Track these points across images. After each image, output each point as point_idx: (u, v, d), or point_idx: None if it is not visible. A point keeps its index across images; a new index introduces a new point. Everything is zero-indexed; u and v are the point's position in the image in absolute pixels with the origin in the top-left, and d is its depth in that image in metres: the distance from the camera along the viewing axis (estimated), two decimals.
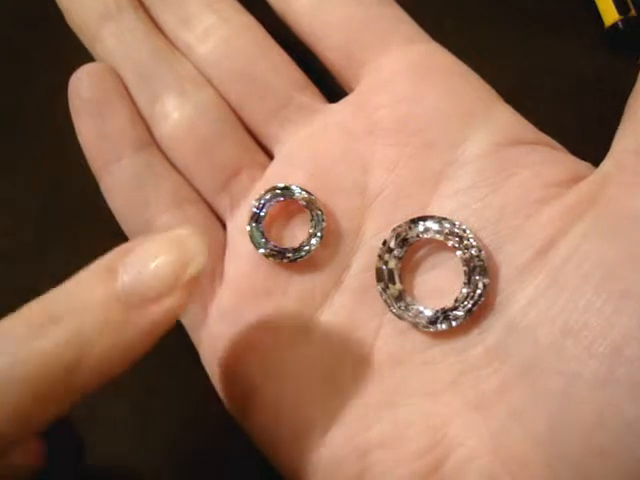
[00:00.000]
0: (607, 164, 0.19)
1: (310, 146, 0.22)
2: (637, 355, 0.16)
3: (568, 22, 0.26)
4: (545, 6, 0.26)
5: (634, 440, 0.16)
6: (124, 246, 0.16)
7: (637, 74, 0.21)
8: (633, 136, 0.19)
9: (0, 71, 0.27)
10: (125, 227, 0.23)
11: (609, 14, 0.25)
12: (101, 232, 0.24)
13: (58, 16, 0.24)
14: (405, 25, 0.22)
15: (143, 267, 0.16)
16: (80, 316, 0.15)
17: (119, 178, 0.22)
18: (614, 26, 0.25)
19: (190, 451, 0.23)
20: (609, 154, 0.19)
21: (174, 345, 0.22)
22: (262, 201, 0.21)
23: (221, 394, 0.21)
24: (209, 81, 0.23)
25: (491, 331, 0.19)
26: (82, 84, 0.23)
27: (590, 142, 0.21)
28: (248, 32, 0.23)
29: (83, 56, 0.24)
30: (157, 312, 0.16)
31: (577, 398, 0.17)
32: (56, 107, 0.24)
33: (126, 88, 0.23)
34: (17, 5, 0.28)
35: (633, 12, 0.24)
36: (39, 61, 0.27)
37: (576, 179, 0.19)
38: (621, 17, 0.24)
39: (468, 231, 0.19)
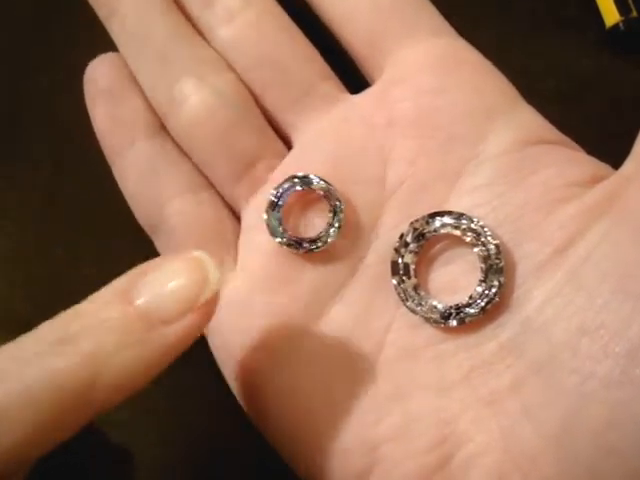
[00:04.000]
0: (628, 165, 0.19)
1: (330, 136, 0.22)
2: None
3: (569, 23, 0.26)
4: (546, 7, 0.26)
5: None
6: (141, 267, 0.17)
7: (638, 76, 0.21)
8: None
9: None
10: (137, 211, 0.23)
11: (610, 15, 0.25)
12: (101, 232, 0.24)
13: (57, 15, 0.24)
14: (432, 17, 0.22)
15: (161, 288, 0.16)
16: (96, 335, 0.15)
17: (132, 162, 0.22)
18: (615, 27, 0.25)
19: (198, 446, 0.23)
20: (630, 156, 0.19)
21: None
22: (280, 190, 0.21)
23: (230, 383, 0.21)
24: (230, 65, 0.23)
25: (506, 327, 0.19)
26: (98, 73, 0.23)
27: (591, 143, 0.21)
28: (272, 17, 0.23)
29: (83, 56, 0.24)
30: (175, 332, 0.16)
31: (591, 397, 0.17)
32: (56, 108, 0.24)
33: (138, 73, 0.23)
34: (16, 5, 0.27)
35: (634, 13, 0.24)
36: (39, 61, 0.27)
37: (597, 180, 0.19)
38: (622, 18, 0.24)
39: (486, 228, 0.19)
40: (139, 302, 0.16)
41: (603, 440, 0.16)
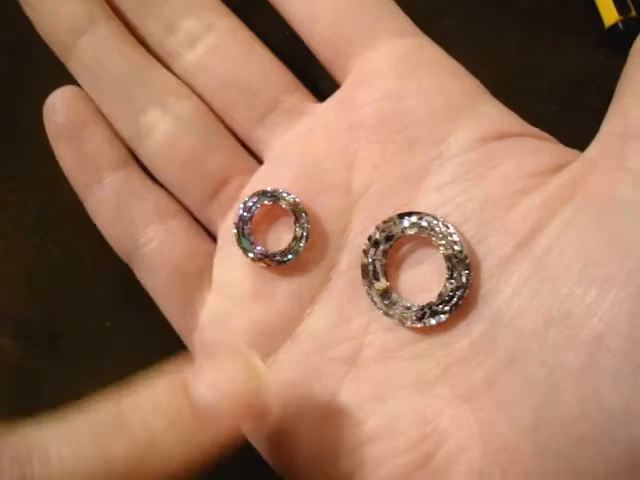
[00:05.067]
0: (592, 149, 0.19)
1: (297, 148, 0.22)
2: (618, 343, 0.16)
3: (568, 22, 0.26)
4: (545, 6, 0.26)
5: (616, 429, 0.16)
6: (198, 364, 0.17)
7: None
8: (619, 119, 0.19)
9: None
10: (113, 244, 0.23)
11: (609, 14, 0.25)
12: (101, 232, 0.24)
13: None
14: (393, 17, 0.22)
15: (218, 386, 0.17)
16: (150, 423, 0.16)
17: (101, 198, 0.23)
18: (614, 27, 0.24)
19: None
20: (595, 139, 0.19)
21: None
22: (248, 204, 0.21)
23: None
24: (193, 88, 0.23)
25: (477, 323, 0.19)
26: (56, 109, 0.23)
27: (590, 142, 0.21)
28: (235, 38, 0.23)
29: None
30: (225, 432, 0.17)
31: (560, 388, 0.17)
32: None
33: (102, 106, 0.23)
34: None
35: (633, 13, 0.24)
36: (37, 62, 0.26)
37: (561, 167, 0.19)
38: (621, 18, 0.24)
39: (450, 227, 0.19)
40: (195, 397, 0.16)
41: (576, 430, 0.16)
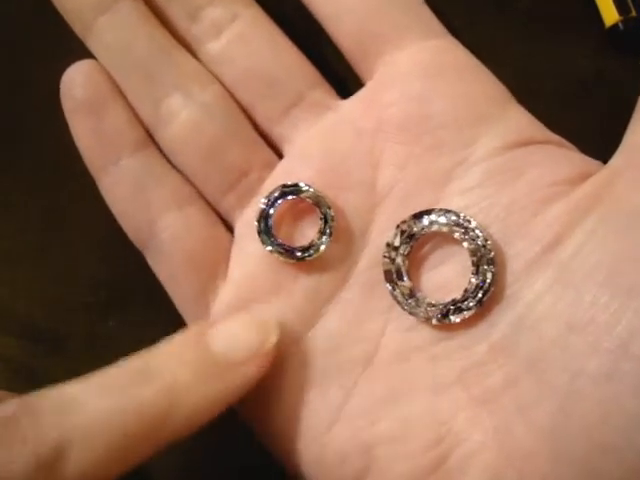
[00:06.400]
0: (616, 160, 0.19)
1: (320, 144, 0.22)
2: None
3: (568, 23, 0.26)
4: (545, 6, 0.26)
5: (637, 436, 0.16)
6: (215, 321, 0.20)
7: (638, 74, 0.21)
8: None
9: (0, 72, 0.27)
10: (126, 228, 0.22)
11: (609, 15, 0.25)
12: (102, 231, 0.24)
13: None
14: (423, 17, 0.22)
15: (233, 338, 0.19)
16: (175, 371, 0.18)
17: (118, 180, 0.22)
18: (614, 27, 0.25)
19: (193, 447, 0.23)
20: (619, 150, 0.19)
21: None
22: (271, 199, 0.21)
23: None
24: (218, 78, 0.23)
25: (497, 326, 0.19)
26: (75, 84, 0.22)
27: (590, 142, 0.21)
28: (259, 28, 0.23)
29: (83, 54, 0.23)
30: (241, 375, 0.18)
31: (581, 393, 0.17)
32: (57, 107, 0.24)
33: (122, 87, 0.22)
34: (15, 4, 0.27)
35: (633, 13, 0.24)
36: (39, 61, 0.26)
37: (585, 176, 0.19)
38: (621, 18, 0.24)
39: (473, 222, 0.19)
40: (213, 347, 0.18)
41: (596, 436, 0.16)
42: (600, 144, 0.22)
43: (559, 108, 0.25)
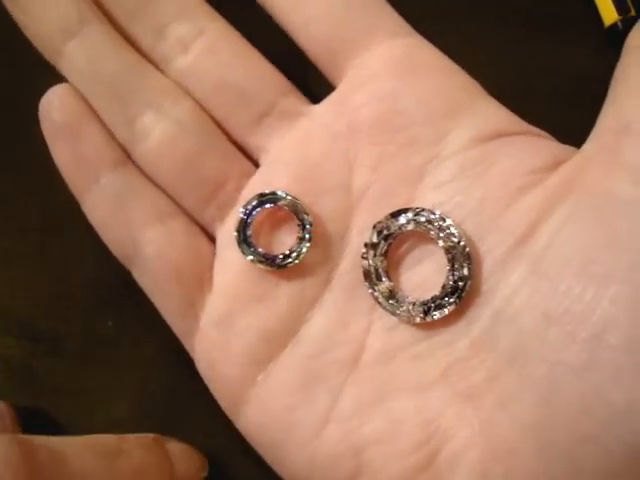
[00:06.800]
0: (588, 145, 0.19)
1: (294, 151, 0.22)
2: (619, 340, 0.16)
3: (567, 22, 0.26)
4: (544, 6, 0.26)
5: (620, 425, 0.16)
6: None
7: None
8: (614, 114, 0.19)
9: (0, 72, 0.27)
10: (110, 244, 0.23)
11: (608, 14, 0.25)
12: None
13: None
14: (388, 17, 0.22)
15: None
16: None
17: (99, 198, 0.22)
18: (614, 26, 0.25)
19: None
20: (590, 135, 0.19)
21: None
22: (249, 208, 0.21)
23: (214, 394, 0.22)
24: (188, 93, 0.23)
25: (477, 322, 0.19)
26: (53, 107, 0.22)
27: None
28: (226, 41, 0.23)
29: None
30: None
31: (562, 385, 0.17)
32: None
33: (96, 108, 0.23)
34: None
35: (633, 12, 0.24)
36: (39, 61, 0.26)
37: (559, 164, 0.19)
38: (620, 17, 0.24)
39: (447, 220, 0.19)
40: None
41: (579, 428, 0.16)
42: None
43: (558, 107, 0.25)
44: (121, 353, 0.25)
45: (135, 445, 0.21)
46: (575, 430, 0.16)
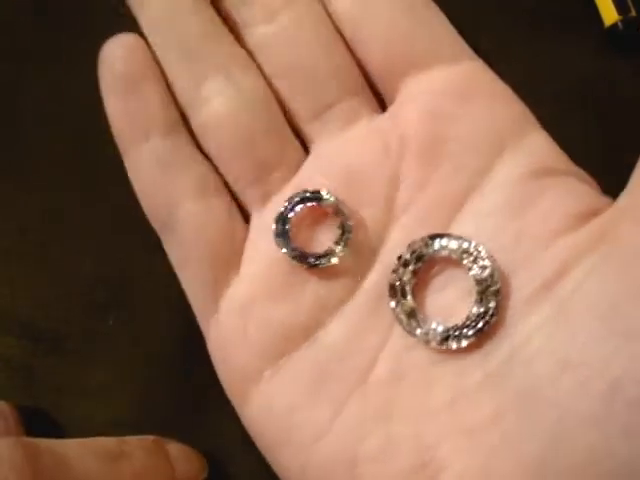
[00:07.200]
0: (623, 199, 0.19)
1: (345, 154, 0.22)
2: (634, 397, 0.16)
3: (567, 22, 0.26)
4: (544, 7, 0.26)
5: (624, 478, 0.16)
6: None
7: (637, 76, 0.21)
8: None
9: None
10: (147, 207, 0.22)
11: (609, 14, 0.25)
12: (102, 230, 0.24)
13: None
14: (450, 39, 0.22)
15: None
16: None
17: (146, 158, 0.22)
18: (614, 26, 0.25)
19: None
20: (626, 189, 0.19)
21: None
22: (291, 202, 0.21)
23: (221, 379, 0.22)
24: (260, 65, 0.22)
25: (493, 356, 0.19)
26: (116, 57, 0.22)
27: (591, 142, 0.21)
28: (313, 20, 0.22)
29: (83, 54, 0.23)
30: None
31: (571, 433, 0.17)
32: (57, 107, 0.24)
33: (164, 64, 0.22)
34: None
35: (633, 12, 0.24)
36: (38, 60, 0.26)
37: (595, 213, 0.19)
38: (621, 17, 0.24)
39: (483, 251, 0.19)
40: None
41: (583, 477, 0.16)
42: (600, 143, 0.22)
43: (559, 107, 0.25)
44: (121, 353, 0.25)
45: (136, 448, 0.21)
46: (578, 478, 0.16)
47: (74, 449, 0.20)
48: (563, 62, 0.25)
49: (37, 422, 0.24)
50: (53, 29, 0.24)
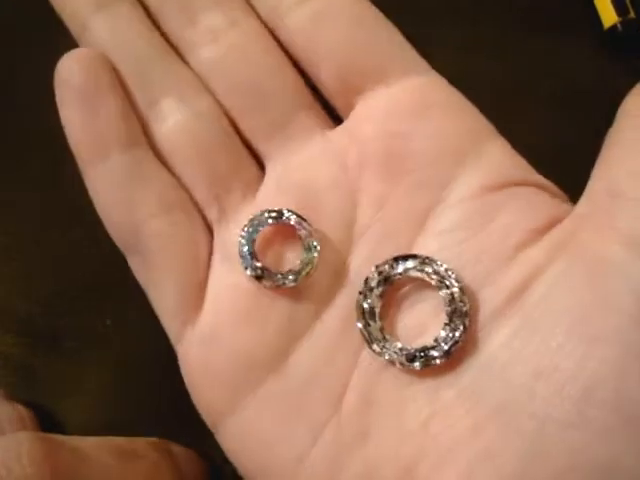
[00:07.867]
0: (581, 206, 0.19)
1: (302, 171, 0.22)
2: (607, 398, 0.16)
3: (566, 24, 0.26)
4: (543, 7, 0.26)
5: None
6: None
7: (635, 77, 0.21)
8: (606, 178, 0.19)
9: None
10: (109, 226, 0.22)
11: (608, 16, 0.25)
12: (102, 229, 0.24)
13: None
14: (404, 52, 0.22)
15: None
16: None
17: (106, 176, 0.21)
18: (613, 28, 0.25)
19: None
20: (584, 195, 0.19)
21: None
22: (254, 222, 0.21)
23: (196, 406, 0.21)
24: (208, 86, 0.22)
25: (466, 373, 0.19)
26: (72, 71, 0.21)
27: (589, 143, 0.21)
28: (258, 40, 0.22)
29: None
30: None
31: (548, 440, 0.17)
32: (56, 105, 0.24)
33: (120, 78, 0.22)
34: None
35: (632, 14, 0.24)
36: (39, 61, 0.26)
37: (556, 222, 0.19)
38: (620, 19, 0.24)
39: (450, 271, 0.19)
40: None
41: None
42: (598, 144, 0.22)
43: (558, 108, 0.25)
44: (120, 352, 0.25)
45: (146, 448, 0.21)
46: None
47: (92, 446, 0.20)
48: (563, 63, 0.25)
49: (36, 421, 0.24)
50: (51, 28, 0.24)
